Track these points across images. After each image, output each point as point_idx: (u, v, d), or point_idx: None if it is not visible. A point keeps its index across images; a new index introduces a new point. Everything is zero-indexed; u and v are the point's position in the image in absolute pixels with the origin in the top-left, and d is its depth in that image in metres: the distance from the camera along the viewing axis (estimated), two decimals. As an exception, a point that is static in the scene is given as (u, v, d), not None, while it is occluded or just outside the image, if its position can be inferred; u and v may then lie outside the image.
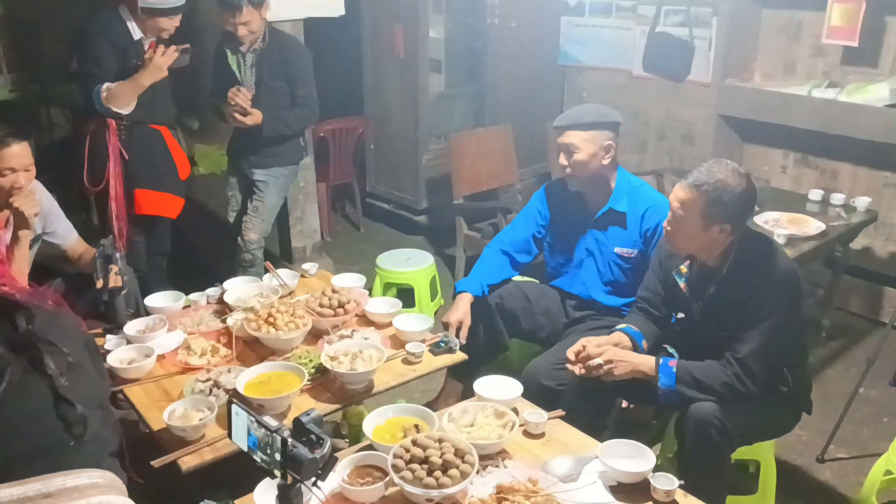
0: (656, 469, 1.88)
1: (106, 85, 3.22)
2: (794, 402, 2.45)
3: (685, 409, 2.27)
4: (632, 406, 2.90)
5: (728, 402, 2.21)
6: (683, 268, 2.42)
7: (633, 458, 1.92)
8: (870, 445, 3.07)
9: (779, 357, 2.29)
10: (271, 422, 1.47)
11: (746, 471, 2.77)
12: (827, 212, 3.70)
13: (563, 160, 2.74)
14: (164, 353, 2.45)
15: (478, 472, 1.81)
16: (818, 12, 4.02)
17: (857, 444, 3.11)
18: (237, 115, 3.45)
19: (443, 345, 2.53)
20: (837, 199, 3.73)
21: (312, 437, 1.45)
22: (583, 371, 2.32)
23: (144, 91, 3.27)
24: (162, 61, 3.21)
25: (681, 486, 1.83)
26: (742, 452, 2.50)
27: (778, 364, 2.31)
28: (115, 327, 2.57)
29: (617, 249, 2.82)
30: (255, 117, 3.45)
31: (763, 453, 2.59)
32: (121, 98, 3.24)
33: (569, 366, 2.36)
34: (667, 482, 1.82)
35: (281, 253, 4.62)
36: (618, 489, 1.86)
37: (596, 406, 2.50)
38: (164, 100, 3.50)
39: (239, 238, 3.72)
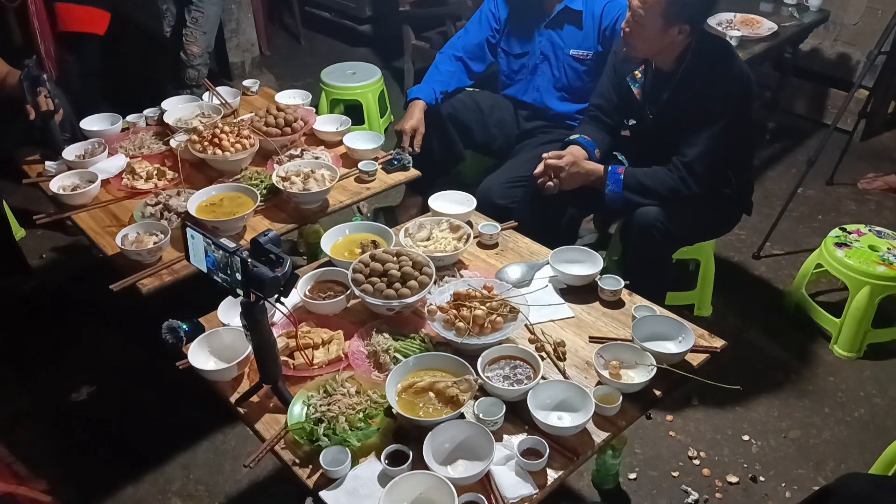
0: (603, 272, 1.97)
1: None
2: (735, 204, 2.55)
3: (631, 214, 2.34)
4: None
5: (672, 205, 2.29)
6: (637, 73, 2.39)
7: (581, 262, 2.01)
8: (803, 242, 3.24)
9: (725, 160, 2.34)
10: (228, 243, 1.47)
11: (687, 269, 2.93)
12: (780, 11, 3.65)
13: None
14: (109, 178, 2.38)
15: (435, 283, 1.88)
16: None
17: (792, 240, 3.28)
18: None
19: (395, 162, 2.51)
20: (791, -4, 3.67)
21: (272, 256, 1.46)
22: (550, 182, 2.36)
23: None
24: None
25: (626, 287, 1.93)
26: (683, 252, 2.63)
27: (723, 167, 2.37)
28: (53, 153, 2.47)
29: (572, 52, 2.75)
30: None
31: (703, 252, 2.73)
32: None
33: (538, 176, 2.39)
34: (613, 283, 1.92)
35: (219, 69, 4.39)
36: (567, 291, 1.96)
37: (547, 216, 2.56)
38: None
39: (181, 53, 3.54)
